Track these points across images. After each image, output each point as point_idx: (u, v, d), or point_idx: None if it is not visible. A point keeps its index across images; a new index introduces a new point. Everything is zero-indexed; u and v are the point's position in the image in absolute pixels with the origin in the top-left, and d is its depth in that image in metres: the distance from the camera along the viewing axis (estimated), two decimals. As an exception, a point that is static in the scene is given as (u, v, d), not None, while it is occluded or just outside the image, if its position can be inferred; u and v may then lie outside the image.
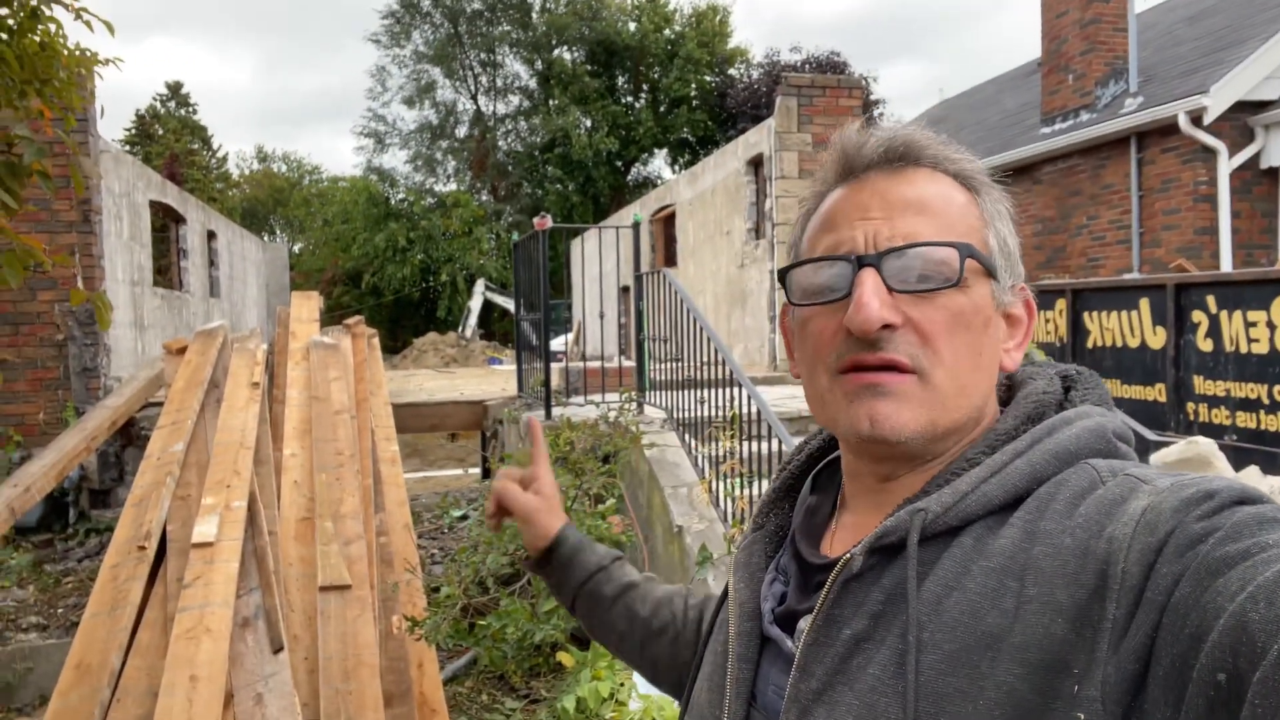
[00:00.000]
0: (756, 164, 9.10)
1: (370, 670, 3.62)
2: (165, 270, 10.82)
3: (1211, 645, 0.47)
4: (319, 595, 3.98)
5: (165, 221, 10.17)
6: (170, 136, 32.22)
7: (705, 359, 4.63)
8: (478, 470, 8.70)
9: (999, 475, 0.63)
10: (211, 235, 11.75)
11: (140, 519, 4.47)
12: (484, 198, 28.13)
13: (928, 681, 0.57)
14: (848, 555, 0.64)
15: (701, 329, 4.64)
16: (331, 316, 21.01)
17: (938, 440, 0.67)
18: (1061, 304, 6.21)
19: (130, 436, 6.27)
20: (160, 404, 5.80)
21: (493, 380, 10.10)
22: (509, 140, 28.95)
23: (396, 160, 45.84)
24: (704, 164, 10.89)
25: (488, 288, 19.97)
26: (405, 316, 25.43)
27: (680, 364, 5.24)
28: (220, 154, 35.95)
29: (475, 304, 19.67)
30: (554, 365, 6.48)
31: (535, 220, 5.38)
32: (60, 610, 4.80)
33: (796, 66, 22.70)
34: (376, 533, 4.77)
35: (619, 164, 27.32)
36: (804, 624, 0.67)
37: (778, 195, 8.32)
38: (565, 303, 15.72)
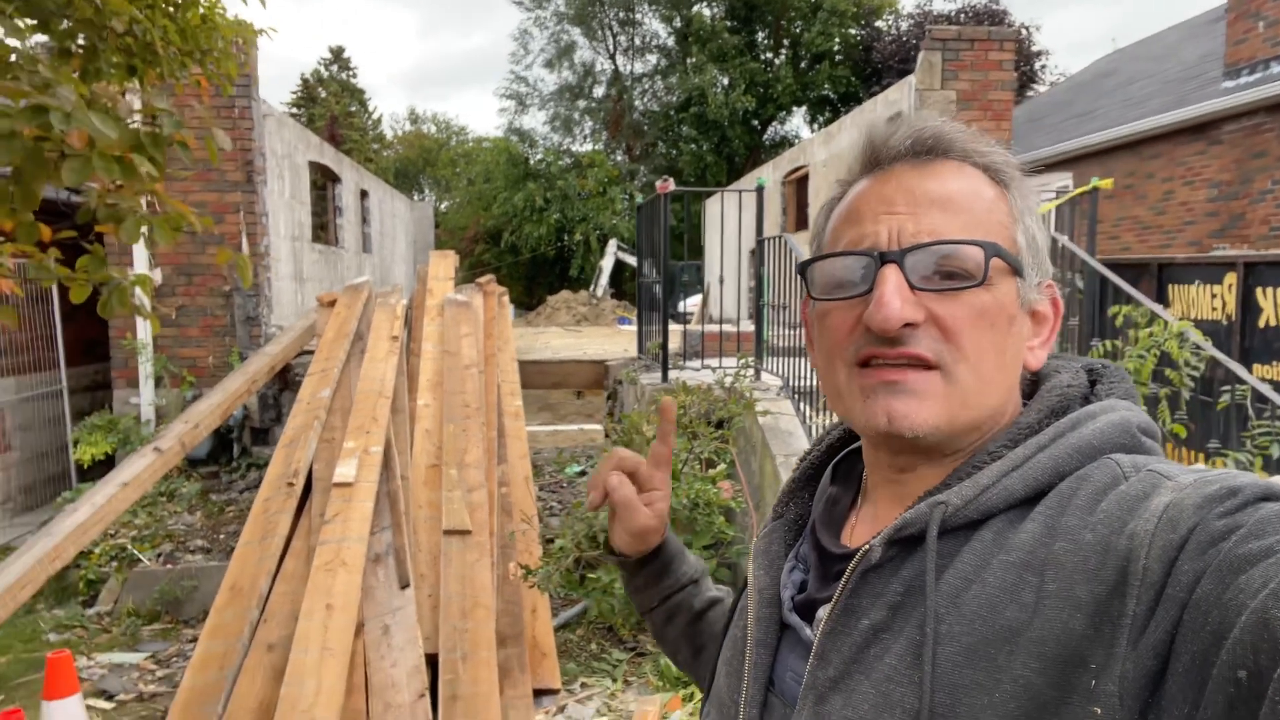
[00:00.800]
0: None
1: (486, 611, 3.84)
2: (324, 227, 11.59)
3: (1233, 642, 0.47)
4: (442, 538, 4.24)
5: (323, 181, 10.87)
6: (331, 99, 34.19)
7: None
8: (600, 427, 8.91)
9: (1021, 469, 0.62)
10: (364, 194, 12.46)
11: (290, 458, 4.90)
12: (619, 158, 28.33)
13: (944, 673, 0.57)
14: (867, 546, 0.64)
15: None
16: (472, 273, 21.89)
17: (957, 436, 0.66)
18: (1231, 278, 5.63)
19: (286, 381, 6.83)
20: (312, 352, 6.29)
21: (617, 340, 10.28)
22: (645, 100, 28.93)
23: (536, 121, 46.93)
24: (840, 123, 10.50)
25: (619, 248, 20.21)
26: (541, 274, 26.16)
27: (799, 331, 5.15)
28: (376, 116, 37.85)
29: (607, 264, 19.98)
30: (676, 328, 6.53)
31: (657, 183, 5.39)
32: (222, 536, 5.36)
33: (949, 17, 21.34)
34: (498, 483, 5.01)
35: (755, 123, 26.75)
36: (822, 613, 0.68)
37: (915, 157, 7.93)
38: (696, 265, 15.69)
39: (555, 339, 10.23)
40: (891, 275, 0.64)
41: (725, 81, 26.06)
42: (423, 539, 4.33)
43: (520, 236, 24.80)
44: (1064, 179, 7.16)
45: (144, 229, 2.26)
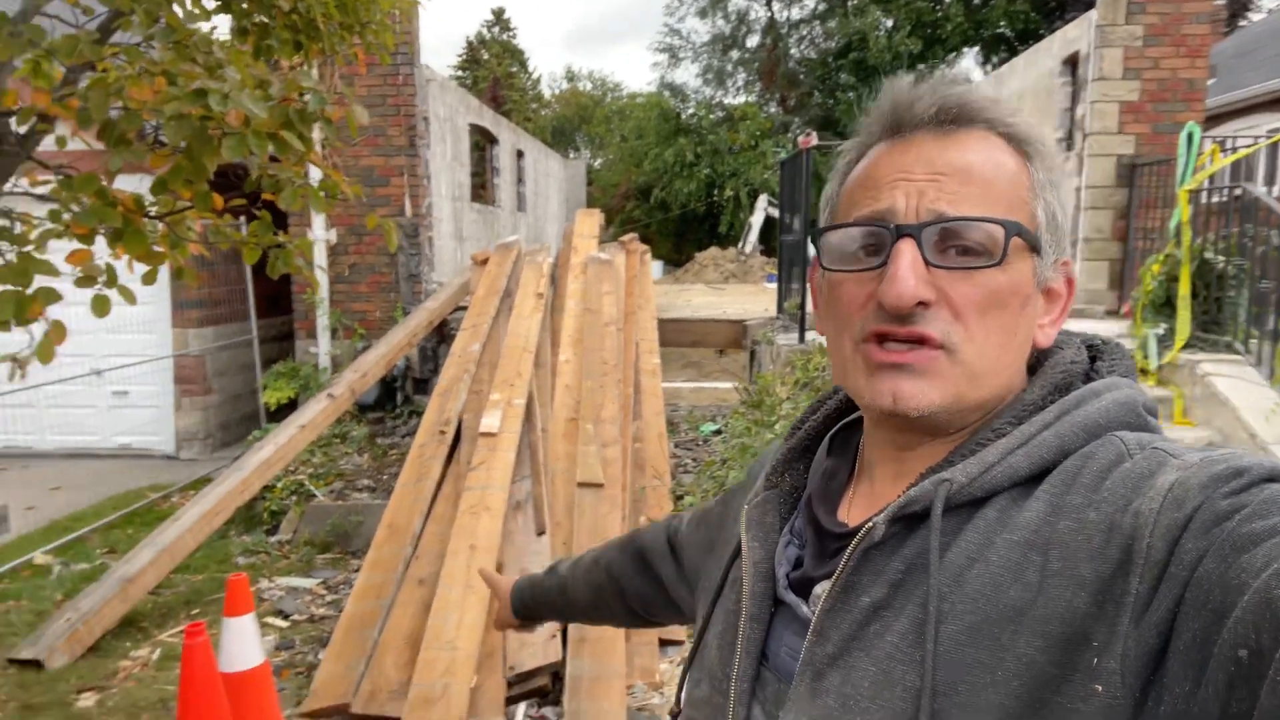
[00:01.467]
0: (1073, 63, 7.96)
1: (616, 562, 3.99)
2: (482, 187, 12.09)
3: (1234, 621, 0.47)
4: (577, 490, 4.42)
5: (482, 142, 11.32)
6: (494, 61, 35.33)
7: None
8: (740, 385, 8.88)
9: (1026, 447, 0.61)
10: (520, 154, 12.88)
11: (443, 407, 5.24)
12: (772, 109, 27.60)
13: (946, 651, 0.57)
14: (870, 524, 0.63)
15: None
16: (622, 230, 22.17)
17: (962, 414, 0.66)
18: None
19: (443, 335, 7.27)
20: (466, 308, 6.65)
21: (759, 299, 10.15)
22: (801, 47, 27.90)
23: (688, 75, 46.35)
24: (1012, 65, 9.73)
25: (769, 204, 19.76)
26: (690, 231, 26.12)
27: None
28: (535, 76, 38.80)
29: (756, 220, 19.63)
30: (817, 288, 6.36)
31: (800, 138, 5.24)
32: (385, 476, 5.83)
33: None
34: (632, 438, 5.14)
35: (920, 68, 25.22)
36: (820, 590, 0.68)
37: (1094, 100, 7.25)
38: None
39: (697, 296, 10.25)
40: (907, 250, 0.62)
41: (889, 24, 24.67)
42: (559, 489, 4.53)
43: (670, 193, 24.80)
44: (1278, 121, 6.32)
45: (302, 197, 2.47)
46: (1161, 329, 5.09)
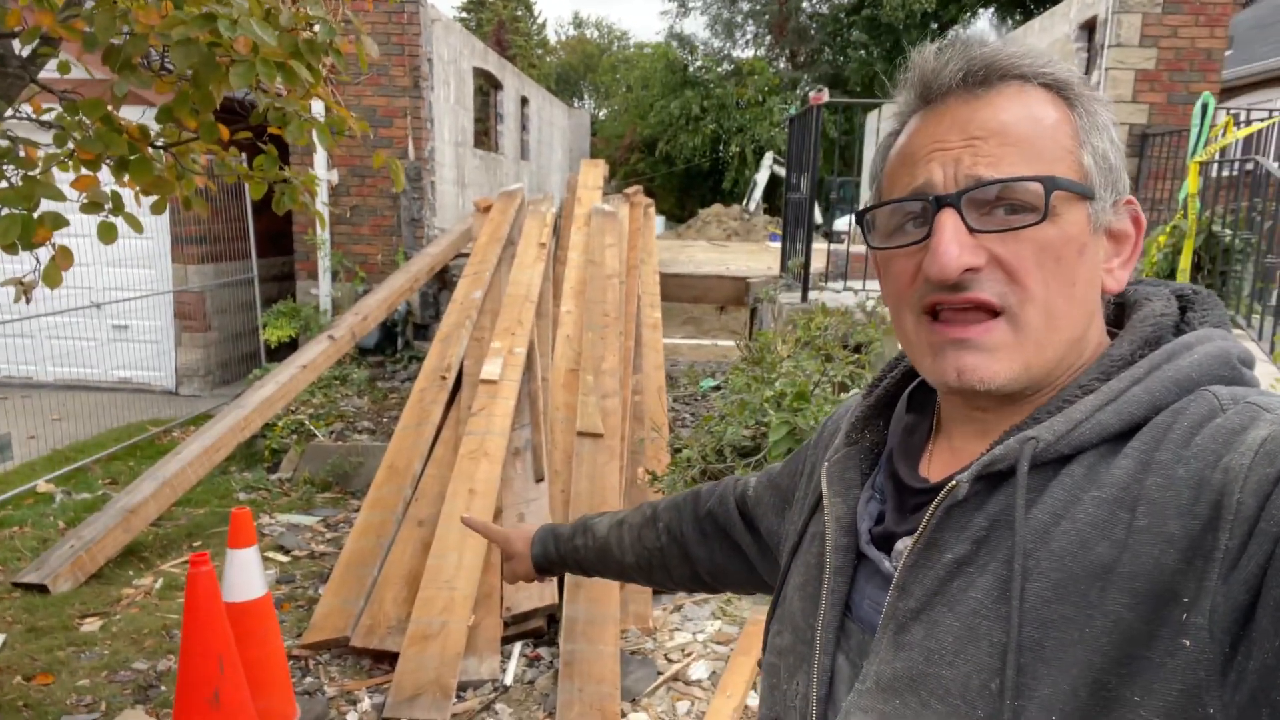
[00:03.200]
0: (1090, 28, 7.83)
1: (612, 510, 4.04)
2: (485, 133, 11.94)
3: None
4: (576, 439, 4.45)
5: (486, 87, 11.13)
6: (499, 4, 34.57)
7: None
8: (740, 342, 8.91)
9: (1115, 403, 0.60)
10: (525, 101, 12.68)
11: (444, 353, 5.25)
12: (781, 65, 27.15)
13: (1032, 608, 0.57)
14: (954, 482, 0.63)
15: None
16: (626, 182, 21.94)
17: (1033, 382, 0.65)
18: None
19: (444, 280, 7.24)
20: (468, 255, 6.61)
21: (762, 257, 10.11)
22: (813, 2, 27.35)
23: (697, 25, 45.47)
24: (1028, 27, 9.55)
25: (775, 160, 19.57)
26: (694, 186, 25.88)
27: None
28: (541, 20, 37.96)
29: (761, 177, 19.45)
30: (820, 246, 6.33)
31: (811, 95, 5.17)
32: (385, 419, 5.86)
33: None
34: (632, 391, 5.17)
35: (934, 26, 24.75)
36: (901, 545, 0.69)
37: (1109, 67, 7.14)
38: (855, 181, 15.01)
39: (700, 253, 10.20)
40: (949, 221, 0.62)
41: (904, -20, 24.13)
42: (558, 438, 4.56)
43: (675, 146, 24.52)
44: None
45: (312, 132, 2.44)
46: (1164, 300, 5.08)
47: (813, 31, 26.79)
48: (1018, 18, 23.42)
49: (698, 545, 1.10)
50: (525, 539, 1.26)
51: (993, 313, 0.63)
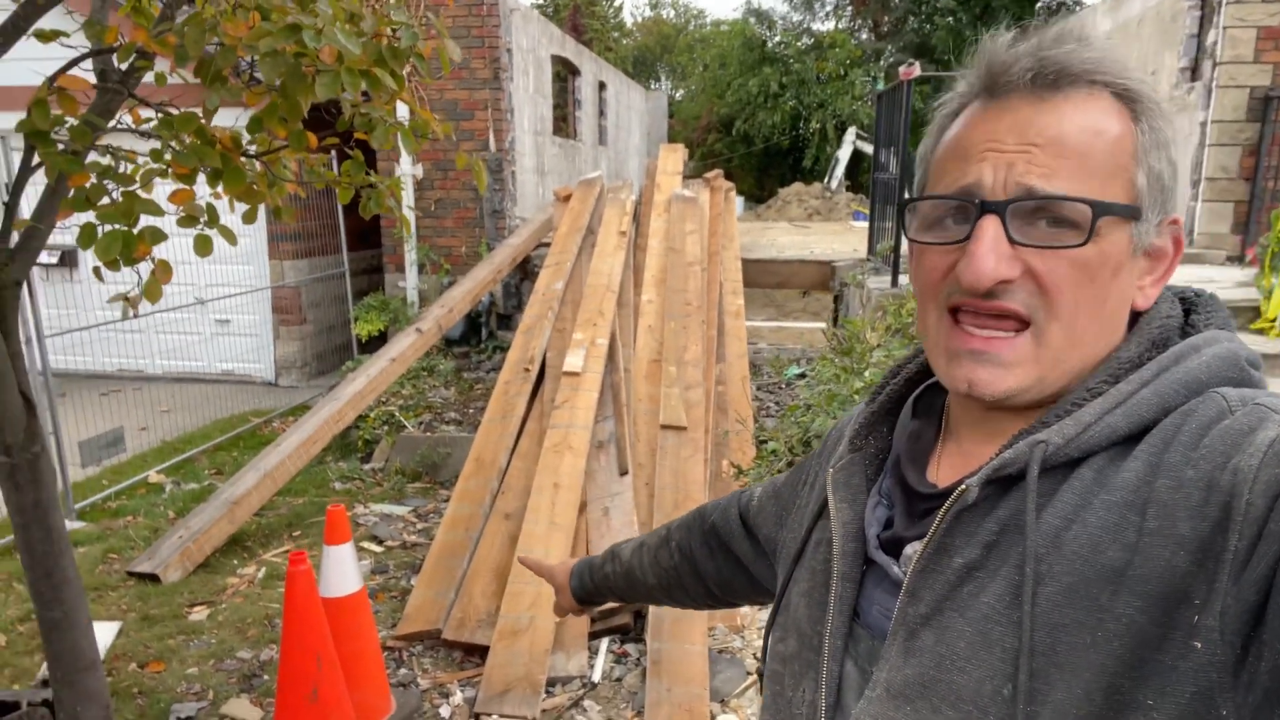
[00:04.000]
0: (1206, -17, 7.26)
1: (697, 505, 3.99)
2: (563, 120, 11.96)
3: None
4: (659, 432, 4.42)
5: (563, 73, 11.15)
6: (575, -12, 34.59)
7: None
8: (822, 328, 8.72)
9: (1124, 406, 0.60)
10: (602, 86, 12.66)
11: (527, 344, 5.28)
12: (863, 36, 26.31)
13: (1044, 612, 0.57)
14: (963, 486, 0.62)
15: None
16: (703, 164, 21.72)
17: (1044, 394, 0.65)
18: None
19: (526, 271, 7.30)
20: (549, 244, 6.64)
21: (846, 238, 9.83)
22: (899, -32, 26.33)
23: (775, 0, 44.49)
24: (1134, -14, 8.95)
25: (858, 137, 19.01)
26: (773, 165, 25.40)
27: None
28: (617, 3, 37.86)
29: (844, 154, 18.91)
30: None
31: (901, 69, 4.94)
32: (471, 410, 5.95)
33: None
34: (715, 381, 5.09)
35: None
36: (910, 550, 0.68)
37: (1227, 25, 6.62)
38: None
39: (782, 235, 9.99)
40: (990, 228, 0.61)
41: (995, -59, 23.00)
42: (641, 430, 4.53)
43: (753, 125, 24.08)
44: None
45: (396, 135, 2.45)
46: (1293, 278, 4.70)
47: (896, 2, 25.85)
48: (1120, -26, 22.01)
49: (706, 560, 1.12)
50: (566, 573, 1.28)
51: (1018, 323, 0.62)
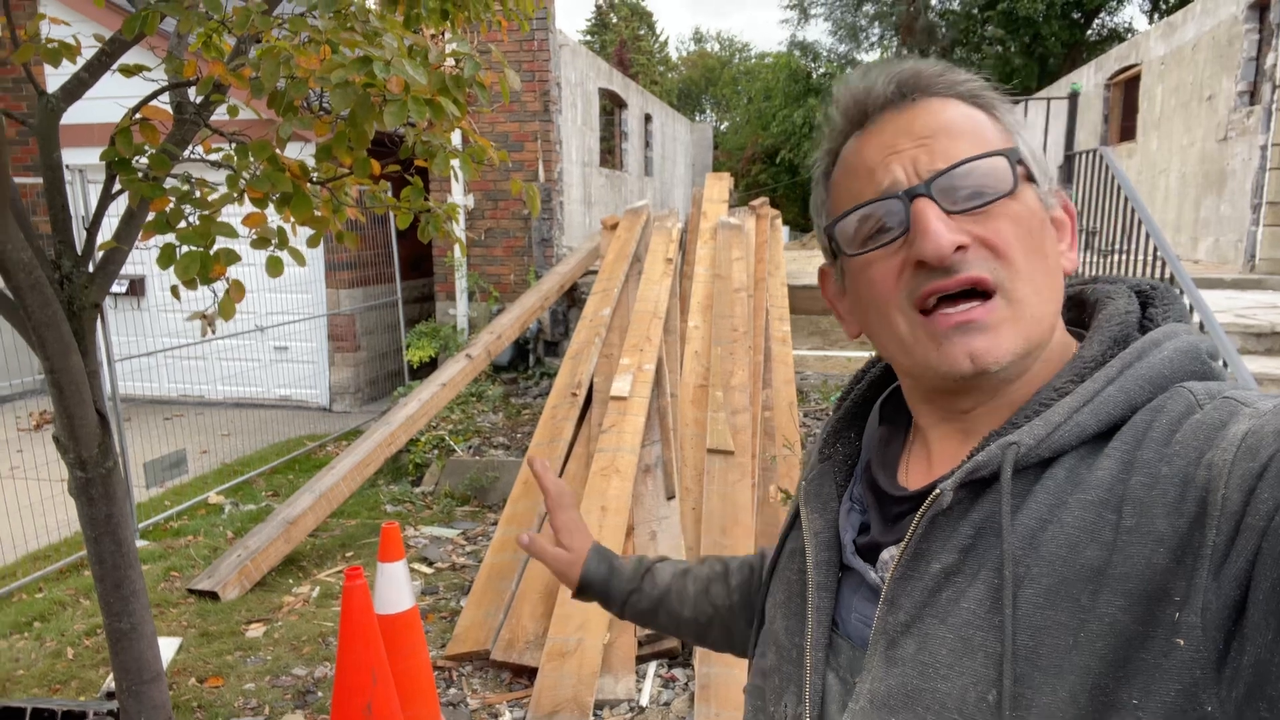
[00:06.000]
0: (1262, 8, 7.14)
1: (745, 530, 3.97)
2: (610, 152, 12.15)
3: None
4: (706, 456, 4.41)
5: (610, 106, 11.34)
6: (622, 24, 35.27)
7: (1143, 255, 3.95)
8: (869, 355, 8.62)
9: (1092, 404, 0.61)
10: (648, 118, 12.84)
11: (574, 370, 5.34)
12: (911, 66, 26.27)
13: (1025, 615, 0.57)
14: (937, 491, 0.62)
15: (1140, 221, 3.95)
16: (748, 194, 21.80)
17: (1032, 354, 0.65)
18: None
19: (573, 299, 7.39)
20: (596, 272, 6.72)
21: (897, 265, 9.73)
22: (944, -1, 26.34)
23: (819, 33, 44.71)
24: (1188, 10, 8.83)
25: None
26: (819, 195, 25.40)
27: (1112, 259, 4.54)
28: (663, 38, 38.47)
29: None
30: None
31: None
32: (519, 435, 6.01)
33: None
34: (762, 406, 5.08)
35: (1076, 16, 23.32)
36: (887, 555, 0.68)
37: (1289, 46, 6.48)
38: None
39: (830, 263, 9.97)
40: (927, 207, 0.63)
41: (1043, -30, 22.87)
42: (688, 455, 4.54)
43: (799, 155, 24.16)
44: None
45: (453, 162, 2.53)
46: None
47: (943, 31, 25.82)
48: (1171, 1, 21.73)
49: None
50: (586, 543, 1.08)
51: (986, 292, 0.63)
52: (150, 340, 7.18)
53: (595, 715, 3.07)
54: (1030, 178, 0.67)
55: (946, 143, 0.65)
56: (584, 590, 1.07)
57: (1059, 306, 0.67)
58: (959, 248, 0.62)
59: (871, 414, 0.82)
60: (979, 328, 0.63)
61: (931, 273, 0.63)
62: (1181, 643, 0.51)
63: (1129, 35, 21.30)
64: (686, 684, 3.25)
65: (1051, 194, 0.70)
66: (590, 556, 1.06)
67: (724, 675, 3.09)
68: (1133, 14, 24.48)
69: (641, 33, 36.68)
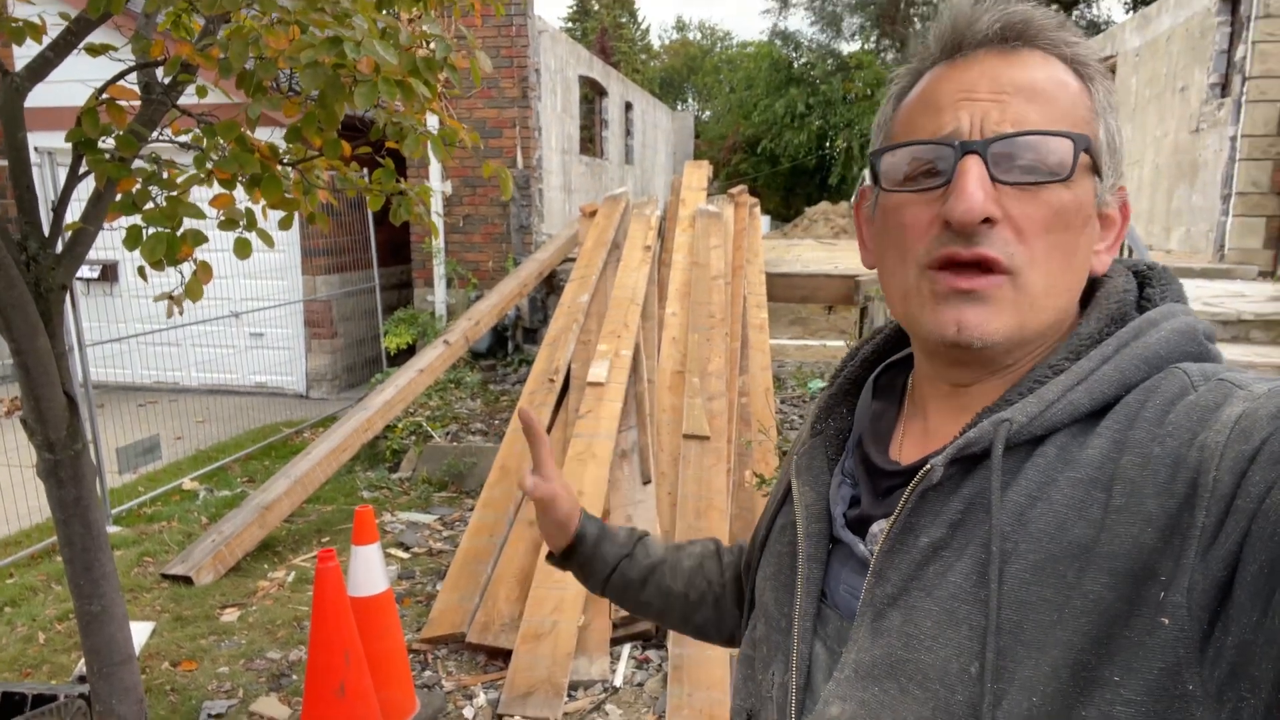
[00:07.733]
0: (1234, 1, 7.23)
1: (720, 513, 4.00)
2: (590, 139, 12.11)
3: None
4: (682, 441, 4.44)
5: (591, 94, 11.30)
6: (603, 12, 35.06)
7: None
8: (850, 342, 8.69)
9: (1086, 382, 0.61)
10: (629, 106, 12.81)
11: (552, 356, 5.34)
12: (889, 57, 26.37)
13: (1011, 590, 0.57)
14: (928, 466, 0.62)
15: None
16: (729, 183, 21.78)
17: (1023, 344, 0.65)
18: None
19: (552, 285, 7.38)
20: (574, 259, 6.72)
21: (875, 254, 9.79)
22: (925, -11, 26.41)
23: (801, 22, 44.78)
24: (1162, 2, 8.92)
25: (885, 155, 19.00)
26: (799, 184, 25.45)
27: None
28: (644, 26, 38.30)
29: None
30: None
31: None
32: (497, 421, 6.02)
33: None
34: (738, 393, 5.11)
35: (1054, 6, 23.45)
36: (876, 529, 0.68)
37: (1256, 40, 6.58)
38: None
39: (807, 251, 10.01)
40: (974, 166, 0.61)
41: (1022, -39, 22.97)
42: (664, 440, 4.56)
43: (779, 145, 24.17)
44: None
45: (427, 145, 2.53)
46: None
47: (923, 21, 25.89)
48: (1150, -8, 21.89)
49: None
50: (576, 507, 1.02)
51: (999, 273, 0.62)
52: (123, 326, 7.09)
53: (569, 696, 3.10)
54: (1094, 169, 0.64)
55: (1023, 106, 0.62)
56: (572, 551, 1.01)
57: (1070, 302, 0.65)
58: (987, 219, 0.60)
59: (865, 389, 0.81)
60: (978, 298, 0.62)
61: (954, 236, 0.62)
62: (1166, 622, 0.51)
63: (1104, 26, 21.45)
64: (660, 665, 3.29)
65: (1113, 190, 0.67)
66: (583, 514, 1.02)
67: (697, 656, 3.13)
68: (1111, 5, 24.61)
69: (623, 20, 36.47)
